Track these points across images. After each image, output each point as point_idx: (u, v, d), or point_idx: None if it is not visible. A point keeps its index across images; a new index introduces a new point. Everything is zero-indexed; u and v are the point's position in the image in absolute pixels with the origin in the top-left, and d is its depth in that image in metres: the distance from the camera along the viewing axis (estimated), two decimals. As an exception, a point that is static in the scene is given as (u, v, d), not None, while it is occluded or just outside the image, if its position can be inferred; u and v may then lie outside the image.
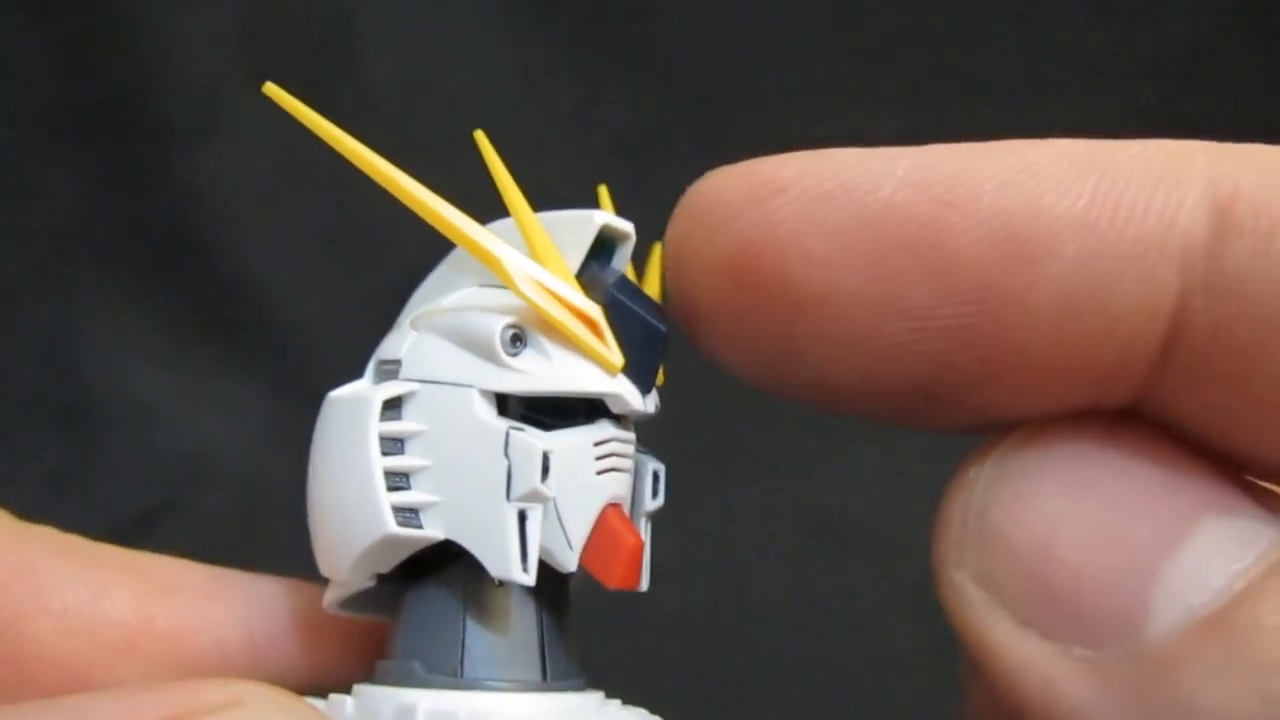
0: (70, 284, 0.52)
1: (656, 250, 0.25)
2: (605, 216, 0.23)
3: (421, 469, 0.22)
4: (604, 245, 0.23)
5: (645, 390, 0.23)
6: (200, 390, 0.52)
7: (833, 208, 0.20)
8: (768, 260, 0.21)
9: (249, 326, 0.51)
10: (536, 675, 0.23)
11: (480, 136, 0.23)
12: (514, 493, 0.22)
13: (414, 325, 0.24)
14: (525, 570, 0.22)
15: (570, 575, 0.24)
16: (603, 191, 0.25)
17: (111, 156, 0.51)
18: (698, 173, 0.22)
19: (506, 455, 0.22)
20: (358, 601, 0.25)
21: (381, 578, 0.24)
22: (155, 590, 0.26)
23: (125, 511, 0.49)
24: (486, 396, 0.22)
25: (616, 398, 0.23)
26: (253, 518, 0.49)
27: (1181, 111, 0.53)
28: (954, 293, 0.20)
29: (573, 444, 0.23)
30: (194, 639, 0.26)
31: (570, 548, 0.23)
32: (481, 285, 0.23)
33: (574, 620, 0.24)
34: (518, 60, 0.52)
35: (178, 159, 0.51)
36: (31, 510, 0.27)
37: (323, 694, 0.23)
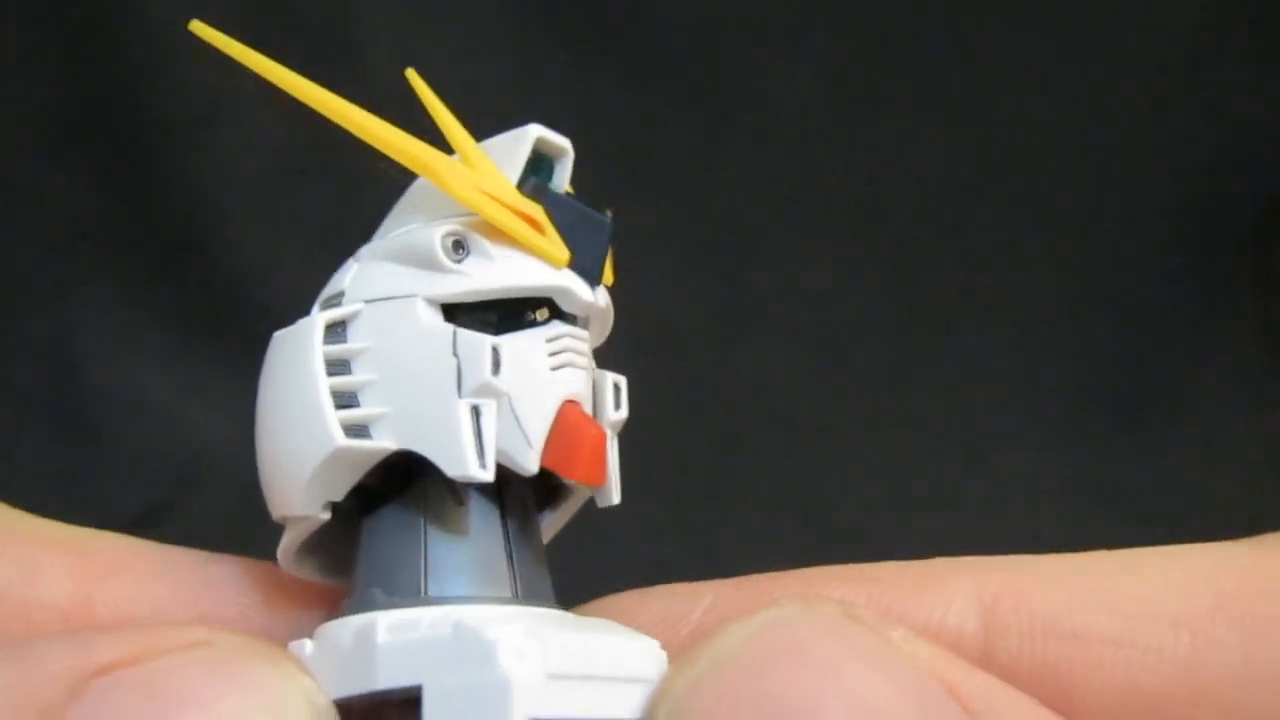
0: (70, 284, 0.52)
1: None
2: (540, 129, 0.23)
3: (369, 384, 0.22)
4: (543, 163, 0.23)
5: (593, 283, 0.23)
6: (200, 390, 0.52)
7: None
8: None
9: (249, 326, 0.51)
10: (507, 593, 0.22)
11: (412, 74, 0.23)
12: (465, 389, 0.21)
13: (356, 258, 0.23)
14: (483, 466, 0.21)
15: (539, 501, 0.23)
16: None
17: (111, 156, 0.51)
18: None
19: (455, 354, 0.22)
20: (315, 559, 0.24)
21: (336, 515, 0.23)
22: (94, 570, 0.24)
23: (125, 511, 0.49)
24: (432, 305, 0.22)
25: (564, 290, 0.22)
26: (253, 518, 0.49)
27: (1182, 110, 0.53)
28: None
29: (524, 342, 0.22)
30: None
31: (530, 446, 0.22)
32: (425, 222, 0.23)
33: (545, 551, 0.24)
34: (518, 60, 0.52)
35: (178, 159, 0.51)
36: (31, 510, 0.27)
37: None
